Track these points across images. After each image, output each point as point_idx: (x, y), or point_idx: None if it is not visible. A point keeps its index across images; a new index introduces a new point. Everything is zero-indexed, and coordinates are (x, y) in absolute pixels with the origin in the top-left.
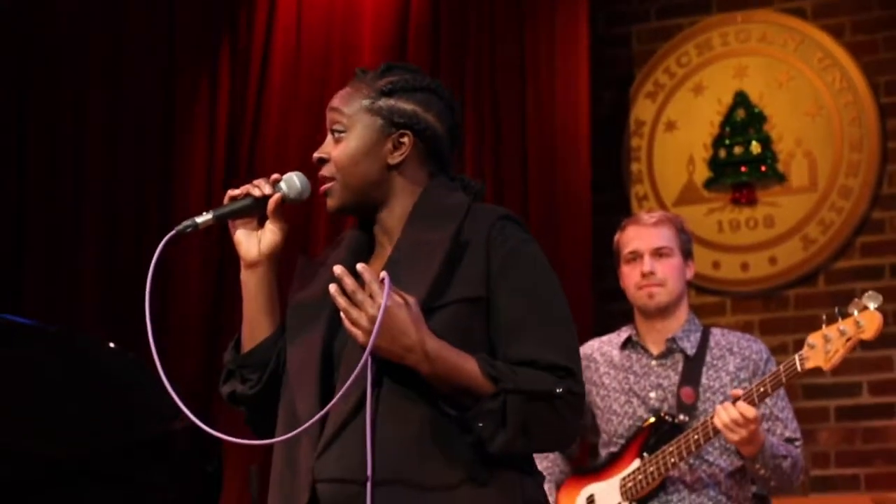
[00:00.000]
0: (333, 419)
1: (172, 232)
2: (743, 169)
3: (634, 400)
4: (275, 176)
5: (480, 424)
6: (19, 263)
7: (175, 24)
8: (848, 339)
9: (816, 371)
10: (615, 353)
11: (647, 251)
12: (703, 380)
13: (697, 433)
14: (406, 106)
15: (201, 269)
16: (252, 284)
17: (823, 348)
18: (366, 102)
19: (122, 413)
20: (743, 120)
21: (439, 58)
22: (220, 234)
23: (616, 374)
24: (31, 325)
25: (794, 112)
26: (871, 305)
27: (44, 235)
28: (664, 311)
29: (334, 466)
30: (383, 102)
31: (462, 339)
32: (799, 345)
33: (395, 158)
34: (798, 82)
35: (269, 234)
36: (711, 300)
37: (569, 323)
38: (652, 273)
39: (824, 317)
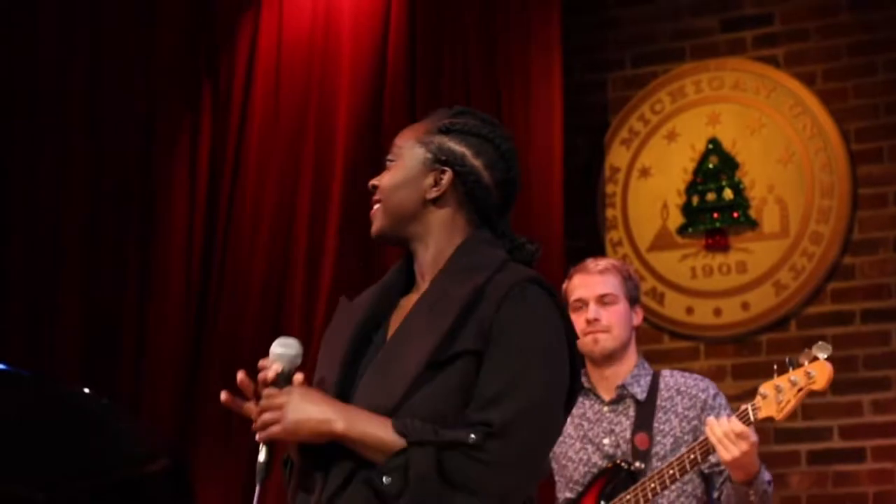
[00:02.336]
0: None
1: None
2: (716, 215)
3: (589, 447)
4: (262, 363)
5: (387, 480)
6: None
7: (153, 73)
8: (799, 390)
9: (768, 420)
10: None
11: (591, 298)
12: (655, 423)
13: (654, 481)
14: (456, 146)
15: (183, 294)
16: None
17: (775, 398)
18: (421, 136)
19: (98, 456)
20: (716, 166)
21: (415, 106)
22: (201, 260)
23: (571, 420)
24: (6, 371)
25: (766, 159)
26: (821, 356)
27: (24, 280)
28: (611, 358)
29: None
30: (436, 138)
31: (465, 393)
32: None
33: (432, 193)
34: (770, 129)
35: None
36: (685, 345)
37: (537, 402)
38: (596, 320)
39: (775, 367)
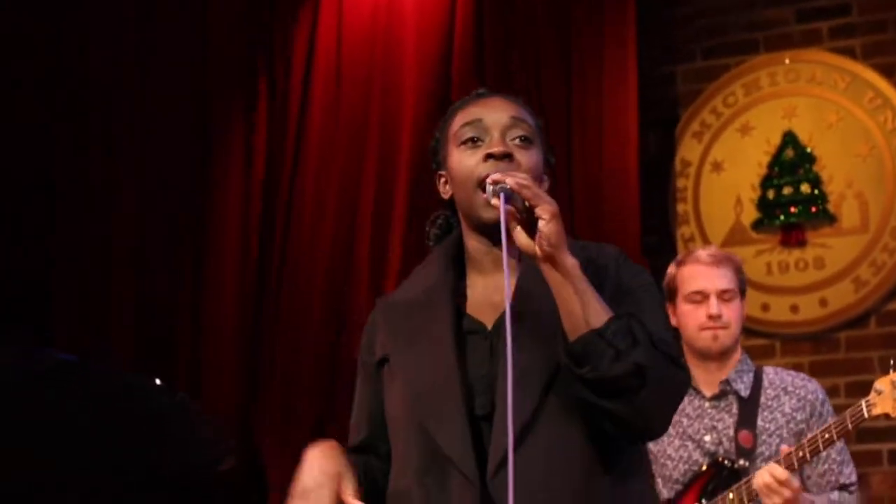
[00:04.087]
0: (499, 444)
1: None
2: (793, 210)
3: (689, 444)
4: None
5: (616, 337)
6: (48, 297)
7: (207, 71)
8: None
9: (883, 417)
10: None
11: (713, 292)
12: (759, 422)
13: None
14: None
15: (237, 296)
16: None
17: (892, 394)
18: (536, 127)
19: (168, 454)
20: (792, 160)
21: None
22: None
23: None
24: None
25: (844, 153)
26: None
27: (76, 270)
28: (724, 354)
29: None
30: (543, 137)
31: None
32: (851, 388)
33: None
34: (848, 122)
35: None
36: (760, 342)
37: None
38: (719, 316)
39: (892, 361)
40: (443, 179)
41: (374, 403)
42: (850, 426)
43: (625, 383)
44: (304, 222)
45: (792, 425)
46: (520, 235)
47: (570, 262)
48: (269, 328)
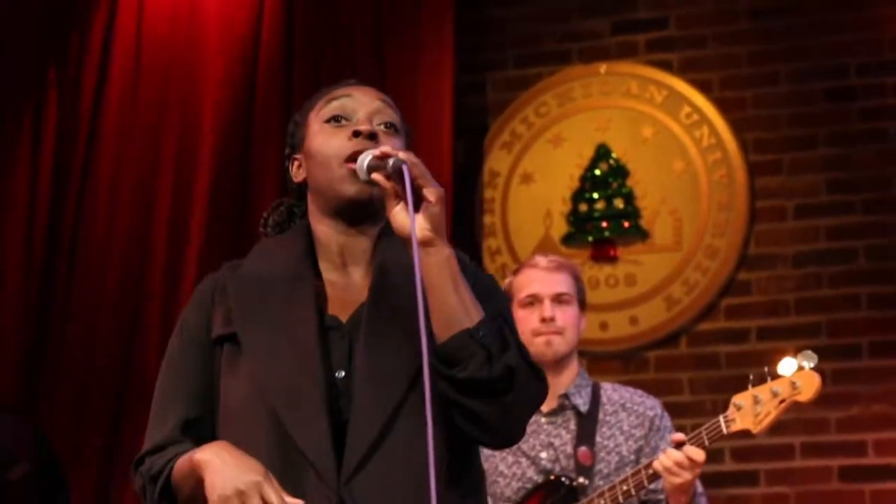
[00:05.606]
0: (356, 445)
1: None
2: (604, 224)
3: (523, 460)
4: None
5: (488, 339)
6: None
7: None
8: (781, 401)
9: (744, 433)
10: None
11: (547, 296)
12: (598, 438)
13: (605, 499)
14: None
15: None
16: None
17: (752, 410)
18: (401, 120)
19: None
20: (605, 174)
21: (291, 98)
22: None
23: None
24: None
25: (658, 168)
26: (808, 365)
27: None
28: (559, 364)
29: (376, 495)
30: (406, 134)
31: None
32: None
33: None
34: (664, 137)
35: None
36: None
37: None
38: (552, 319)
39: (751, 376)
40: (296, 163)
41: (203, 379)
42: (706, 442)
43: (495, 386)
44: (97, 225)
45: (631, 442)
46: (399, 215)
47: (448, 251)
48: (58, 324)
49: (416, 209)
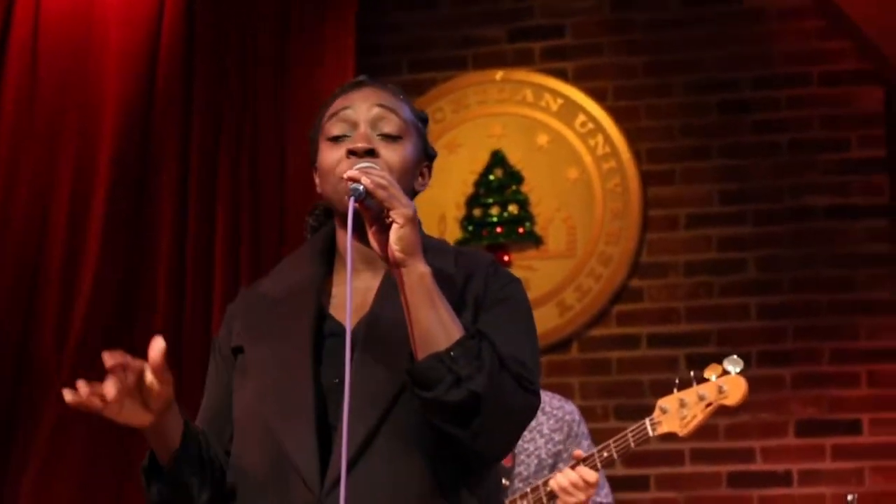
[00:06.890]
0: (336, 462)
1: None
2: (499, 230)
3: None
4: None
5: (459, 362)
6: None
7: None
8: (708, 405)
9: (670, 436)
10: None
11: None
12: (518, 441)
13: (526, 501)
14: (431, 145)
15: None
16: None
17: (678, 413)
18: (412, 118)
19: None
20: (499, 180)
21: (192, 101)
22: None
23: None
24: None
25: (553, 175)
26: (733, 370)
27: None
28: None
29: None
30: (423, 128)
31: None
32: None
33: (419, 186)
34: (559, 145)
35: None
36: None
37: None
38: None
39: (677, 380)
40: (315, 175)
41: (223, 392)
42: (632, 445)
43: (460, 411)
44: None
45: (550, 446)
46: (373, 238)
47: (422, 270)
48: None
49: (385, 231)
